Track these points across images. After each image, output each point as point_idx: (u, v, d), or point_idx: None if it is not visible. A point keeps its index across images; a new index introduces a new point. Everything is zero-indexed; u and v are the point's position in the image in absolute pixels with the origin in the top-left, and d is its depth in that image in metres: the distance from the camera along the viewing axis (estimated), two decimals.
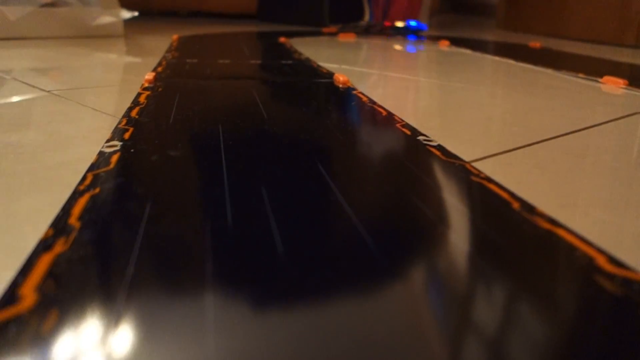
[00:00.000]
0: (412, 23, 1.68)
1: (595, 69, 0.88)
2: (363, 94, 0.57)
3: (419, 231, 0.24)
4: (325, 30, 1.53)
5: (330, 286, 0.19)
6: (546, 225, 0.25)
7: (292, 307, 0.18)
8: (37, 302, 0.18)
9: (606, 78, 0.73)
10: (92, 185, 0.28)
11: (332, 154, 0.35)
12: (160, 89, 0.55)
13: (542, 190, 0.31)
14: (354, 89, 0.60)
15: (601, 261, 0.22)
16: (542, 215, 0.26)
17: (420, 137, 0.40)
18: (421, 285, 0.20)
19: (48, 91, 0.54)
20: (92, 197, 0.27)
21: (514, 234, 0.24)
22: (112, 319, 0.17)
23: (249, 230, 0.23)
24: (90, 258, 0.21)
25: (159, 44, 1.02)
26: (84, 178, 0.29)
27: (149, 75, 0.60)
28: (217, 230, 0.23)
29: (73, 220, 0.24)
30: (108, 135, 0.39)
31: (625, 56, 1.14)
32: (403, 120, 0.45)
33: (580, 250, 0.23)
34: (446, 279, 0.20)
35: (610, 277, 0.21)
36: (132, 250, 0.21)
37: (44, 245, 0.21)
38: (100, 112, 0.46)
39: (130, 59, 0.82)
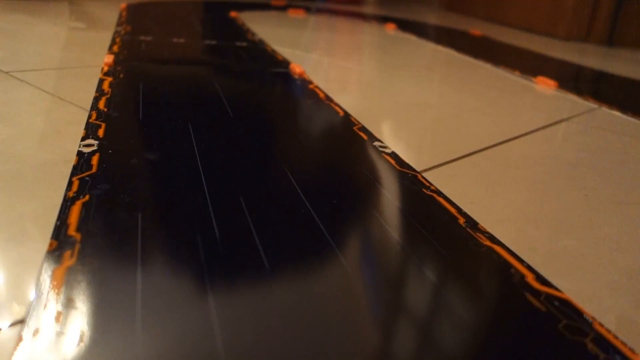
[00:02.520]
0: None
1: (530, 65, 0.94)
2: (319, 89, 0.60)
3: (375, 242, 0.28)
4: (273, 2, 1.53)
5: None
6: (487, 243, 0.30)
7: (286, 315, 0.22)
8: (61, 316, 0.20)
9: (539, 79, 0.79)
10: (80, 191, 0.30)
11: (297, 162, 0.39)
12: (121, 75, 0.56)
13: (483, 204, 0.36)
14: (310, 82, 0.63)
15: (530, 278, 0.27)
16: (484, 232, 0.31)
17: (376, 143, 0.44)
18: (360, 291, 0.24)
19: (6, 72, 0.54)
20: (84, 206, 0.29)
21: (460, 250, 0.29)
22: (132, 326, 0.20)
23: (236, 245, 0.27)
24: (98, 271, 0.23)
25: (107, 13, 1.01)
26: (70, 183, 0.31)
27: (108, 59, 0.61)
28: (207, 244, 0.26)
29: (72, 231, 0.26)
30: (80, 130, 0.41)
31: (556, 50, 1.22)
32: (359, 123, 0.49)
33: (514, 267, 0.28)
34: (392, 288, 0.24)
35: (538, 294, 0.25)
36: (136, 264, 0.24)
37: (53, 259, 0.24)
38: (66, 102, 0.47)
39: (81, 33, 0.81)
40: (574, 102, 0.69)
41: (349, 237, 0.29)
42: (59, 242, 0.25)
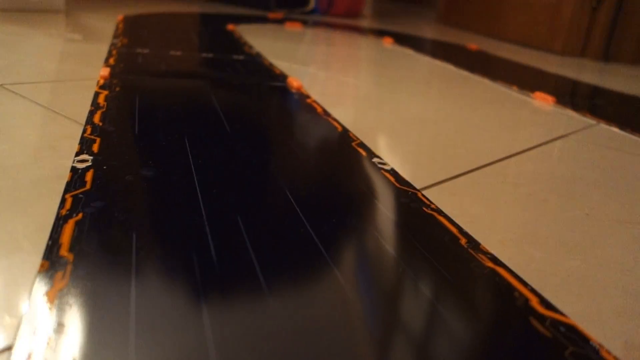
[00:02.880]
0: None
1: (527, 80, 0.94)
2: (317, 104, 0.60)
3: (376, 263, 0.28)
4: (270, 15, 1.53)
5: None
6: (489, 264, 0.29)
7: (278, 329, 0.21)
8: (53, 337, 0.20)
9: (537, 94, 0.79)
10: (73, 209, 0.30)
11: (295, 179, 0.38)
12: (117, 89, 0.55)
13: (484, 223, 0.35)
14: (308, 97, 0.62)
15: (534, 302, 0.26)
16: (486, 253, 0.30)
17: (375, 160, 0.44)
18: (359, 313, 0.23)
19: (0, 84, 0.53)
20: (77, 225, 0.28)
21: (462, 272, 0.28)
22: (125, 351, 0.19)
23: (233, 265, 0.26)
24: (90, 294, 0.22)
25: (104, 25, 1.00)
26: (63, 200, 0.31)
27: (104, 71, 0.60)
28: (203, 264, 0.26)
29: (64, 252, 0.26)
30: (74, 144, 0.40)
31: (553, 65, 1.22)
32: (358, 138, 0.49)
33: (518, 291, 0.27)
34: (394, 310, 0.24)
35: (542, 319, 0.25)
36: (130, 287, 0.23)
37: (44, 281, 0.23)
38: (60, 115, 0.47)
39: (77, 45, 0.81)
40: (572, 118, 0.69)
41: (348, 258, 0.28)
42: (51, 263, 0.25)
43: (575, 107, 0.74)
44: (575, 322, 0.25)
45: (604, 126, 0.66)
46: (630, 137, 0.63)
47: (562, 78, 1.03)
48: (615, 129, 0.65)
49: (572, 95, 0.86)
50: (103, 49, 0.78)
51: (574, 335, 0.24)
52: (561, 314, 0.26)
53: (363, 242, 0.30)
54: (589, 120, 0.68)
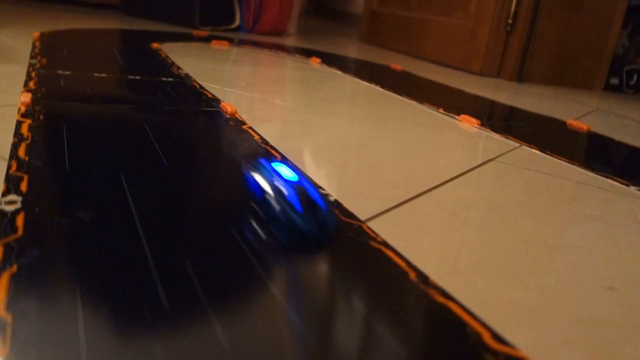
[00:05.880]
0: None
1: (452, 103, 0.98)
2: (253, 130, 0.59)
3: (328, 299, 0.28)
4: (195, 33, 1.51)
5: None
6: (440, 299, 0.30)
7: None
8: None
9: (462, 117, 0.82)
10: (7, 260, 0.28)
11: (241, 216, 0.37)
12: (41, 117, 0.52)
13: (429, 255, 0.36)
14: (244, 123, 0.61)
15: (486, 337, 0.27)
16: (436, 287, 0.31)
17: (320, 191, 0.44)
18: (315, 357, 0.23)
19: None
20: (13, 279, 0.26)
21: (413, 309, 0.28)
22: None
23: (186, 316, 0.25)
24: None
25: (18, 43, 0.95)
26: None
27: (25, 97, 0.57)
28: (155, 316, 0.24)
29: (1, 312, 0.24)
30: None
31: (472, 85, 1.28)
32: (298, 168, 0.48)
33: (469, 326, 0.28)
34: (345, 351, 0.24)
35: (496, 355, 0.25)
36: (79, 348, 0.22)
37: None
38: None
39: None
40: (496, 140, 0.72)
41: (303, 301, 0.28)
42: None
43: (498, 130, 0.78)
44: (526, 355, 0.26)
45: (525, 148, 0.70)
46: (551, 159, 0.66)
47: (483, 99, 1.08)
48: (536, 151, 0.69)
49: (495, 118, 0.90)
50: (20, 70, 0.73)
51: None
52: (512, 347, 0.26)
53: (316, 283, 0.30)
54: (512, 143, 0.72)
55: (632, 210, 0.50)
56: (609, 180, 0.60)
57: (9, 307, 0.24)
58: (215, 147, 0.51)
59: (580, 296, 0.33)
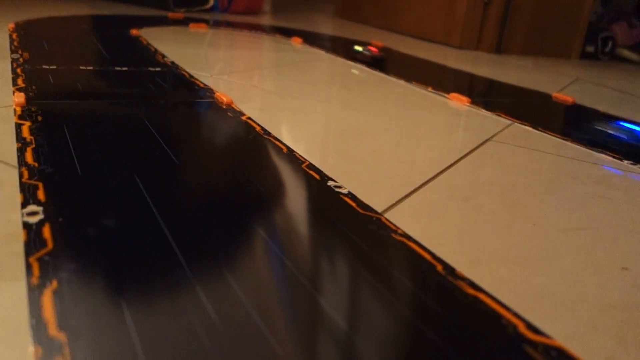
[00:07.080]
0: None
1: (439, 80, 0.98)
2: (253, 121, 0.59)
3: (363, 297, 0.28)
4: (171, 16, 1.48)
5: None
6: (470, 291, 0.31)
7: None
8: None
9: (452, 95, 0.83)
10: (44, 276, 0.28)
11: (264, 213, 0.38)
12: (39, 118, 0.51)
13: (451, 245, 0.37)
14: (242, 114, 0.61)
15: (522, 328, 0.28)
16: (464, 279, 0.32)
17: (330, 183, 0.44)
18: (358, 354, 0.24)
19: None
20: (56, 295, 0.26)
21: (448, 303, 0.29)
22: None
23: (237, 327, 0.25)
24: None
25: None
26: (29, 266, 0.28)
27: (19, 97, 0.56)
28: (207, 328, 0.25)
29: (54, 331, 0.24)
30: (14, 192, 0.37)
31: (452, 59, 1.29)
32: (305, 159, 0.49)
33: (505, 318, 0.29)
34: (390, 348, 0.25)
35: (535, 345, 0.27)
36: None
37: None
38: None
39: None
40: (488, 118, 0.73)
41: (339, 297, 0.28)
42: (44, 348, 0.23)
43: (490, 107, 0.79)
44: (561, 343, 0.27)
45: (518, 125, 0.71)
46: (544, 135, 0.68)
47: (466, 75, 1.09)
48: (528, 128, 0.70)
49: (482, 94, 0.91)
50: (4, 67, 0.71)
51: (565, 359, 0.26)
52: (548, 337, 0.28)
53: (349, 280, 0.30)
54: (504, 120, 0.73)
55: (631, 187, 0.52)
56: (603, 156, 0.61)
57: (61, 326, 0.24)
58: (218, 141, 0.51)
59: (597, 279, 0.35)
